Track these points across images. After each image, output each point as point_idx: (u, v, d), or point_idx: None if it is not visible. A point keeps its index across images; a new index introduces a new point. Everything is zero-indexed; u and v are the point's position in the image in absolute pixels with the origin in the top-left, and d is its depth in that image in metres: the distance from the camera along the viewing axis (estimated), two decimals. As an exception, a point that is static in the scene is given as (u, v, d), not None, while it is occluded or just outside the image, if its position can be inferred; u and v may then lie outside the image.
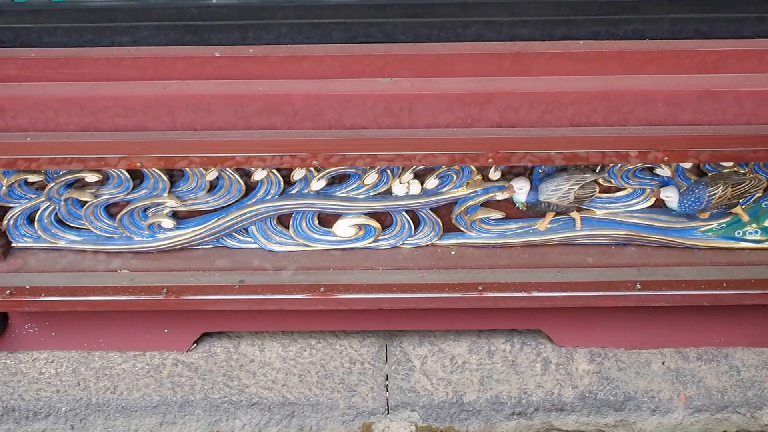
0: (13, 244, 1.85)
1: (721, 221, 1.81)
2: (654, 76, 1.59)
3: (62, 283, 1.80)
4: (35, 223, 1.80)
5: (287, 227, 1.82)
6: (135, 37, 1.61)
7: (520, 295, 1.79)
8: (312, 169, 1.71)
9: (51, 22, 1.60)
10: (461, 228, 1.81)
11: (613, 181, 1.75)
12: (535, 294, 1.79)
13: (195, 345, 1.98)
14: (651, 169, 1.75)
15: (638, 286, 1.78)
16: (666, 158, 1.61)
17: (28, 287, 1.79)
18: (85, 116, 1.60)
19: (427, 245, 1.84)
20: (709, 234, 1.82)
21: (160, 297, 1.79)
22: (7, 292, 1.80)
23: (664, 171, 1.74)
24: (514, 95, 1.57)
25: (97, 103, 1.59)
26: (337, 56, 1.58)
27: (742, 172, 1.73)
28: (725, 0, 1.58)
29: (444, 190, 1.75)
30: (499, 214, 1.80)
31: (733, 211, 1.79)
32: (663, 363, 1.95)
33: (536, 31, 1.60)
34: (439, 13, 1.59)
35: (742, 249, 1.83)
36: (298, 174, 1.73)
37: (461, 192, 1.75)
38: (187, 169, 1.71)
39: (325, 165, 1.64)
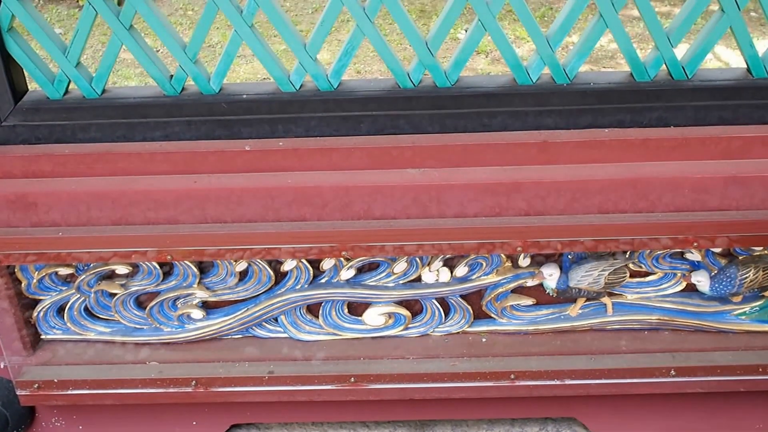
0: (41, 336, 1.85)
1: (754, 304, 1.79)
2: (680, 162, 1.60)
3: (90, 376, 1.79)
4: (65, 315, 1.80)
5: (317, 316, 1.81)
6: (167, 132, 1.64)
7: (553, 383, 1.76)
8: (341, 258, 1.72)
9: (85, 118, 1.64)
10: (492, 315, 1.80)
11: (643, 265, 1.74)
12: (568, 382, 1.76)
13: (223, 437, 1.96)
14: (681, 253, 1.74)
15: (673, 372, 1.75)
16: (695, 243, 1.61)
17: (56, 380, 1.79)
18: (117, 210, 1.62)
19: (458, 332, 1.82)
20: (743, 317, 1.79)
21: (189, 389, 1.78)
22: (35, 385, 1.79)
23: (694, 255, 1.73)
24: (541, 184, 1.58)
25: (128, 198, 1.61)
26: (365, 148, 1.60)
27: (772, 254, 1.73)
28: (746, 87, 1.60)
29: (473, 277, 1.75)
30: (529, 301, 1.79)
31: (766, 294, 1.77)
32: (701, 451, 1.90)
33: (561, 120, 1.62)
34: (465, 104, 1.62)
35: (777, 332, 1.81)
36: (327, 263, 1.73)
37: (491, 279, 1.74)
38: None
39: (354, 255, 1.65)
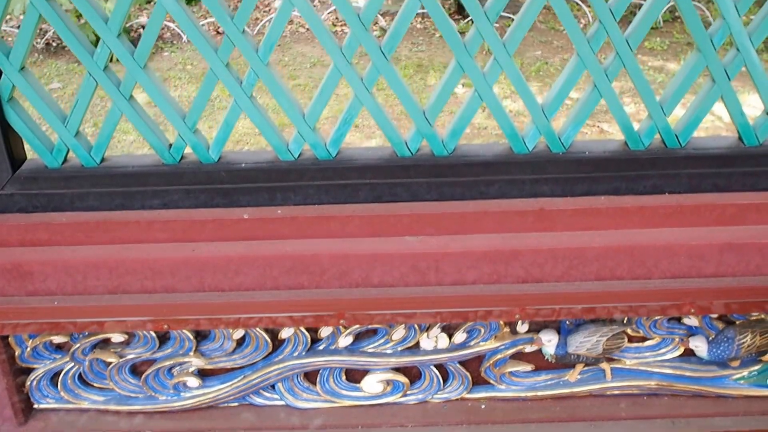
0: (34, 405, 1.83)
1: (753, 369, 1.79)
2: (675, 229, 1.61)
3: (84, 448, 1.77)
4: (58, 383, 1.78)
5: (314, 383, 1.80)
6: (165, 200, 1.64)
7: (553, 451, 1.75)
8: (339, 325, 1.71)
9: (83, 187, 1.64)
10: (491, 381, 1.79)
11: (641, 330, 1.74)
12: (568, 450, 1.75)
13: (218, 508, 1.92)
14: (678, 319, 1.75)
15: (673, 438, 1.74)
16: (692, 309, 1.61)
17: (49, 451, 1.76)
18: (114, 279, 1.61)
19: (457, 399, 1.81)
20: (742, 382, 1.79)
21: (184, 460, 1.76)
22: (28, 456, 1.77)
23: (692, 320, 1.73)
24: (538, 251, 1.59)
25: (125, 266, 1.60)
26: (363, 216, 1.61)
27: (770, 318, 1.73)
28: (739, 155, 1.62)
29: (472, 343, 1.74)
30: (528, 367, 1.78)
31: (764, 358, 1.77)
32: None
33: (558, 188, 1.63)
34: (462, 172, 1.63)
35: (776, 396, 1.80)
36: (325, 331, 1.72)
37: (489, 345, 1.73)
38: (214, 328, 1.71)
39: (352, 323, 1.64)
